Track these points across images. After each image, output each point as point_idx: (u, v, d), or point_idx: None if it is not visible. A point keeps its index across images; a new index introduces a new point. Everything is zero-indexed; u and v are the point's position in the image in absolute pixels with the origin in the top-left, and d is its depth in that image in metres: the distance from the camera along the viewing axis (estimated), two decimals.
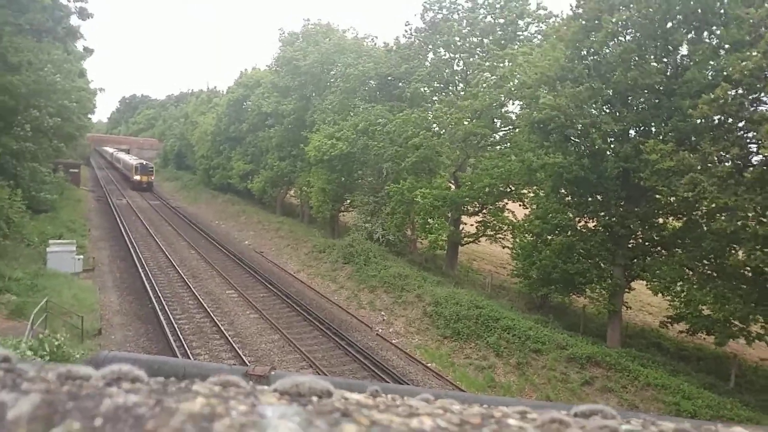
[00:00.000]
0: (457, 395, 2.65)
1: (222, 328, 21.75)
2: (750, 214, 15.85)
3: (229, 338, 20.77)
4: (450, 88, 31.01)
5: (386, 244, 30.43)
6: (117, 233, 39.13)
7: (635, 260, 20.08)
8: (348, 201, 37.35)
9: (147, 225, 42.75)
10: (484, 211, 27.95)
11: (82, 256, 28.25)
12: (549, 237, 21.87)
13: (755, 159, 16.28)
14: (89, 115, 49.95)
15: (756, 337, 16.24)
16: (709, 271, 17.71)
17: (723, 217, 16.48)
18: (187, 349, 19.29)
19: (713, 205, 16.33)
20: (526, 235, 23.40)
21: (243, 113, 50.40)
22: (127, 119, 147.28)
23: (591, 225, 21.47)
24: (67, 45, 31.27)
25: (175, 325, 21.57)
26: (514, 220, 26.21)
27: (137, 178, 66.10)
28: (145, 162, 70.38)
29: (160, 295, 25.22)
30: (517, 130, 25.56)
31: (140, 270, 29.17)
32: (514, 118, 26.27)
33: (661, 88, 17.46)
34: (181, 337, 20.41)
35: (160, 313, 22.70)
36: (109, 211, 48.51)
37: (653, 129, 18.85)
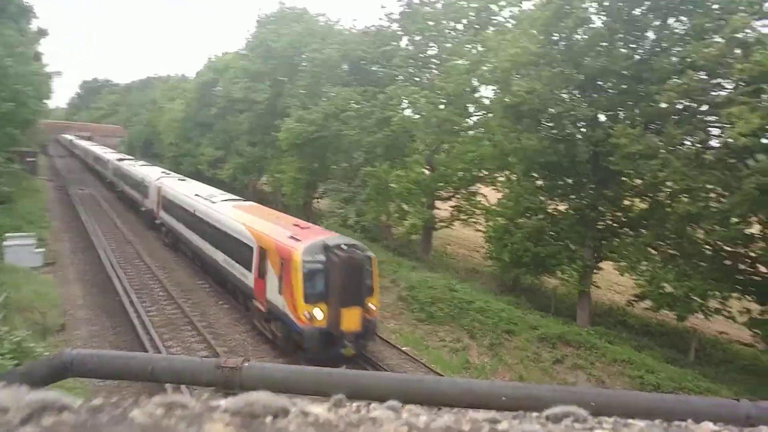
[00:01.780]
0: (430, 383, 2.58)
1: (194, 320, 21.40)
2: (711, 195, 16.44)
3: (201, 329, 20.46)
4: (424, 72, 30.90)
5: (361, 231, 30.36)
6: (79, 224, 38.01)
7: (604, 241, 20.57)
8: (322, 188, 37.06)
9: (111, 215, 41.63)
10: (458, 195, 28.10)
11: (42, 249, 27.32)
12: (520, 220, 22.13)
13: (715, 143, 16.81)
14: (45, 101, 48.07)
15: (714, 312, 16.88)
16: (671, 251, 18.28)
17: (686, 199, 17.02)
18: (158, 342, 18.91)
19: (677, 187, 16.87)
20: (499, 218, 23.62)
21: (212, 98, 49.31)
22: (88, 105, 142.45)
23: (562, 208, 21.82)
24: (20, 25, 29.83)
25: (145, 318, 21.10)
26: (487, 204, 26.42)
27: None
28: (346, 243, 16.89)
29: (127, 287, 24.60)
30: (490, 114, 25.67)
31: (105, 262, 28.42)
32: (487, 102, 26.36)
33: (629, 73, 17.77)
34: (151, 330, 20.00)
35: (127, 306, 22.18)
36: (69, 202, 47.06)
37: (622, 114, 19.19)
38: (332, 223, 30.99)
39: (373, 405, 1.06)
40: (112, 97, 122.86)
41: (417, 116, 27.89)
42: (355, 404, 1.07)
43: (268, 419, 0.88)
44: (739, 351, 18.94)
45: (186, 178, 36.44)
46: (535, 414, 1.06)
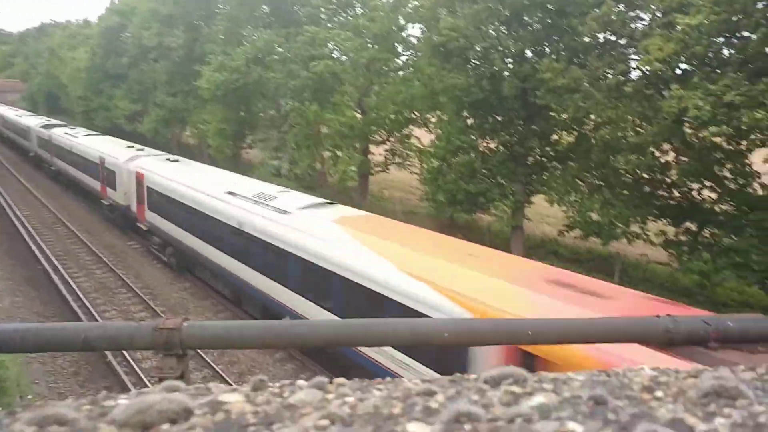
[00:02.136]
0: (374, 326, 2.55)
1: (128, 282, 20.63)
2: (630, 126, 17.32)
3: (138, 291, 19.79)
4: (348, 10, 29.80)
5: (295, 179, 29.82)
6: None
7: (534, 176, 21.29)
8: (250, 138, 35.80)
9: (23, 180, 38.56)
10: (391, 139, 28.03)
11: None
12: (453, 160, 22.42)
13: (634, 74, 17.49)
14: None
15: (635, 236, 18.08)
16: (597, 181, 19.20)
17: (607, 129, 17.82)
18: (90, 308, 18.19)
19: (600, 120, 17.60)
20: (432, 160, 23.82)
21: (121, 45, 45.58)
22: None
23: (492, 145, 22.25)
24: None
25: (73, 285, 20.14)
26: (421, 146, 26.54)
27: None
28: None
29: (49, 254, 23.24)
30: (418, 54, 25.34)
31: (21, 230, 26.54)
32: (414, 42, 25.96)
33: (553, 7, 17.90)
34: (81, 296, 19.14)
35: (52, 274, 21.01)
36: None
37: (547, 49, 19.45)
38: (264, 173, 30.21)
39: (299, 382, 0.98)
40: (4, 48, 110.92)
41: (344, 58, 27.13)
42: (277, 385, 0.97)
43: (165, 426, 0.75)
44: (657, 270, 20.57)
45: (178, 157, 26.39)
46: (473, 376, 1.02)
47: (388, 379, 1.03)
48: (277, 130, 31.66)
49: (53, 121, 44.10)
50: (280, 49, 28.61)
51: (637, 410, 0.85)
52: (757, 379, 1.01)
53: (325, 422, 0.79)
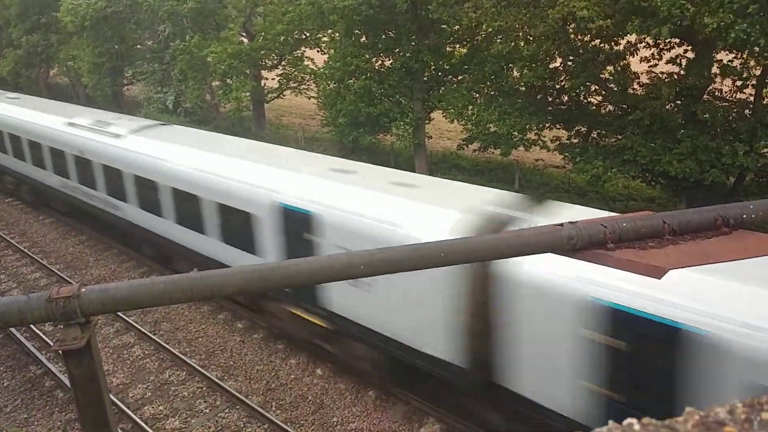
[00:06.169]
0: (290, 267, 2.55)
1: (13, 242, 18.88)
2: (519, 34, 17.60)
3: (26, 250, 18.21)
4: None
5: (185, 114, 27.97)
6: None
7: (431, 92, 21.38)
8: (130, 72, 32.65)
9: None
10: (283, 62, 26.73)
11: None
12: (350, 81, 21.93)
13: None
14: None
15: (531, 143, 19.00)
16: (492, 92, 19.64)
17: (499, 40, 18.04)
18: None
19: (490, 30, 17.70)
20: (329, 82, 23.15)
21: None
22: None
23: (388, 64, 21.93)
24: None
25: None
26: (315, 68, 25.62)
27: None
28: None
29: None
30: None
31: None
32: None
33: None
34: None
35: None
36: None
37: None
38: (152, 111, 28.03)
39: None
40: None
41: None
42: None
43: None
44: (553, 173, 21.95)
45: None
46: None
47: None
48: (159, 63, 29.09)
49: None
50: None
51: None
52: None
53: None
